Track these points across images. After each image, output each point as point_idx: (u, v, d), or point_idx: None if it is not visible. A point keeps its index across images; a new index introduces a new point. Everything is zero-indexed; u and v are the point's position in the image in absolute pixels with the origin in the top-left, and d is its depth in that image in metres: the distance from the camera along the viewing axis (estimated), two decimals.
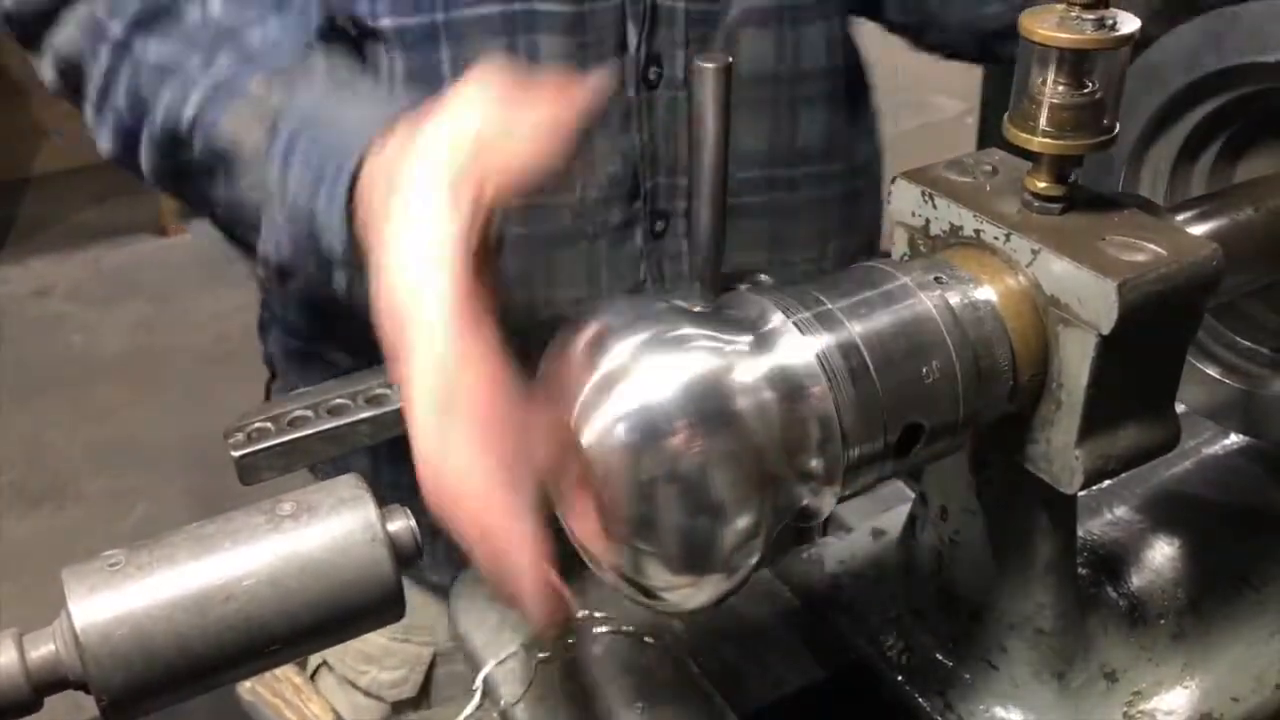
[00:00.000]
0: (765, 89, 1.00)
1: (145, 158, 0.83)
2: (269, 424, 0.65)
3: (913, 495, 0.79)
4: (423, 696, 1.21)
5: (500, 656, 0.79)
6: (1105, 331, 0.57)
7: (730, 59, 0.66)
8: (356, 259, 0.67)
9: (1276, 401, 0.78)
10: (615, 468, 0.51)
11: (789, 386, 0.54)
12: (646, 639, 0.79)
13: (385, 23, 0.88)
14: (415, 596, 1.21)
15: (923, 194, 0.66)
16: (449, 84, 0.89)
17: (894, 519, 0.86)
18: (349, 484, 0.50)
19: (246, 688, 0.76)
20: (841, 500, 0.58)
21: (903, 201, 0.67)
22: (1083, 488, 0.62)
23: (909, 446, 0.58)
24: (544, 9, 0.89)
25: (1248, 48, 0.72)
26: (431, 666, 1.20)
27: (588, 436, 0.52)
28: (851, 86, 1.08)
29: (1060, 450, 0.62)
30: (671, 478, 0.51)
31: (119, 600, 0.45)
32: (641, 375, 0.52)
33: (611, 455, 0.51)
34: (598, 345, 0.53)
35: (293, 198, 0.71)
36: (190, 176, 0.81)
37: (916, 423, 0.57)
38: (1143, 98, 0.77)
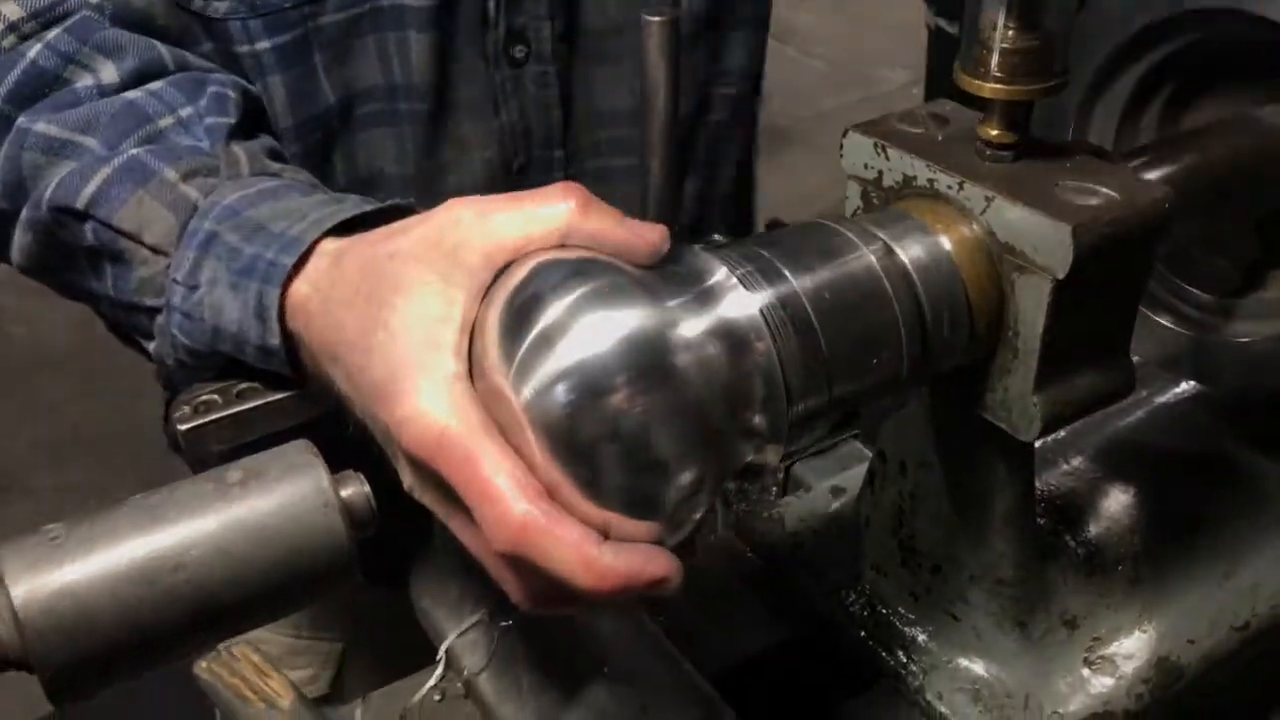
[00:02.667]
0: (619, 40, 0.97)
1: (18, 239, 0.75)
2: (216, 396, 0.63)
3: (870, 454, 0.79)
4: (335, 694, 1.20)
5: (462, 628, 0.78)
6: (1060, 276, 0.57)
7: (677, 13, 0.65)
8: (290, 356, 0.63)
9: (1225, 347, 0.78)
10: (555, 426, 0.49)
11: (732, 341, 0.53)
12: None
13: (263, 44, 0.85)
14: None
15: (875, 145, 0.65)
16: (330, 97, 0.88)
17: (853, 477, 0.86)
18: (299, 449, 0.49)
19: (203, 668, 0.74)
20: (787, 457, 0.57)
21: (855, 154, 0.66)
22: (1041, 435, 0.62)
23: (856, 408, 0.58)
24: (410, 3, 0.88)
25: None
26: (342, 663, 1.19)
27: (525, 395, 0.50)
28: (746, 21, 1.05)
29: (1018, 398, 0.62)
30: (613, 435, 0.49)
31: (59, 574, 0.43)
32: (580, 331, 0.50)
33: (551, 414, 0.49)
34: (534, 302, 0.51)
35: (205, 294, 0.64)
36: (71, 264, 0.73)
37: (859, 394, 0.56)
38: (1090, 48, 0.77)
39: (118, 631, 0.44)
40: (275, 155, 0.73)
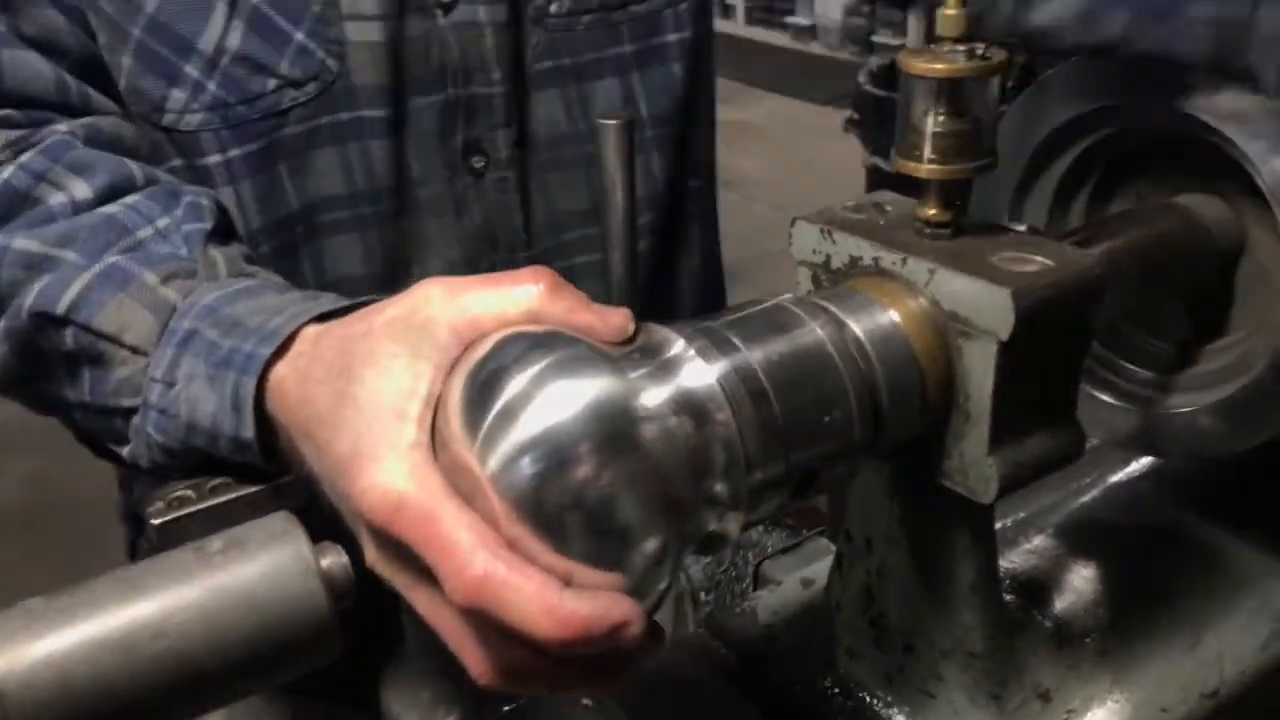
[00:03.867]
0: (567, 149, 1.03)
1: None
2: (190, 492, 0.64)
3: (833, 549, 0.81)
4: None
5: None
6: (1004, 337, 0.60)
7: (630, 117, 0.70)
8: (265, 446, 0.64)
9: (1168, 418, 0.81)
10: (522, 497, 0.50)
11: (693, 411, 0.54)
12: (585, 702, 0.77)
13: (234, 152, 0.90)
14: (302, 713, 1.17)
15: (821, 231, 0.69)
16: (294, 204, 0.92)
17: (821, 570, 0.87)
18: (279, 520, 0.50)
19: None
20: (747, 527, 0.58)
21: (803, 241, 0.70)
22: (999, 495, 0.64)
23: (813, 476, 0.60)
24: (369, 115, 0.93)
25: (1112, 90, 0.78)
26: None
27: (491, 466, 0.51)
28: (691, 127, 1.11)
29: (974, 462, 0.64)
30: (580, 503, 0.50)
31: (38, 645, 0.43)
32: (544, 402, 0.51)
33: (518, 484, 0.50)
34: (497, 374, 0.53)
35: (182, 390, 0.66)
36: (47, 372, 0.74)
37: (815, 459, 0.58)
38: (1022, 142, 0.82)
39: (97, 702, 0.44)
40: (249, 260, 0.76)
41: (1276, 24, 0.70)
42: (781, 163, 5.56)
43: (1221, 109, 0.75)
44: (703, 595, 1.10)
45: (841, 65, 6.83)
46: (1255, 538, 0.88)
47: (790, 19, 7.76)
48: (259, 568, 0.47)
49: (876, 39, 6.99)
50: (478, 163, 0.97)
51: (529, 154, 1.01)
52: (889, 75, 3.78)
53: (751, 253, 4.74)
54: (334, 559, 0.49)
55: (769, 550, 1.02)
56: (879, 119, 3.61)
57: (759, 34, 7.85)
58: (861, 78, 3.83)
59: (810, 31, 7.63)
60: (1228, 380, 0.80)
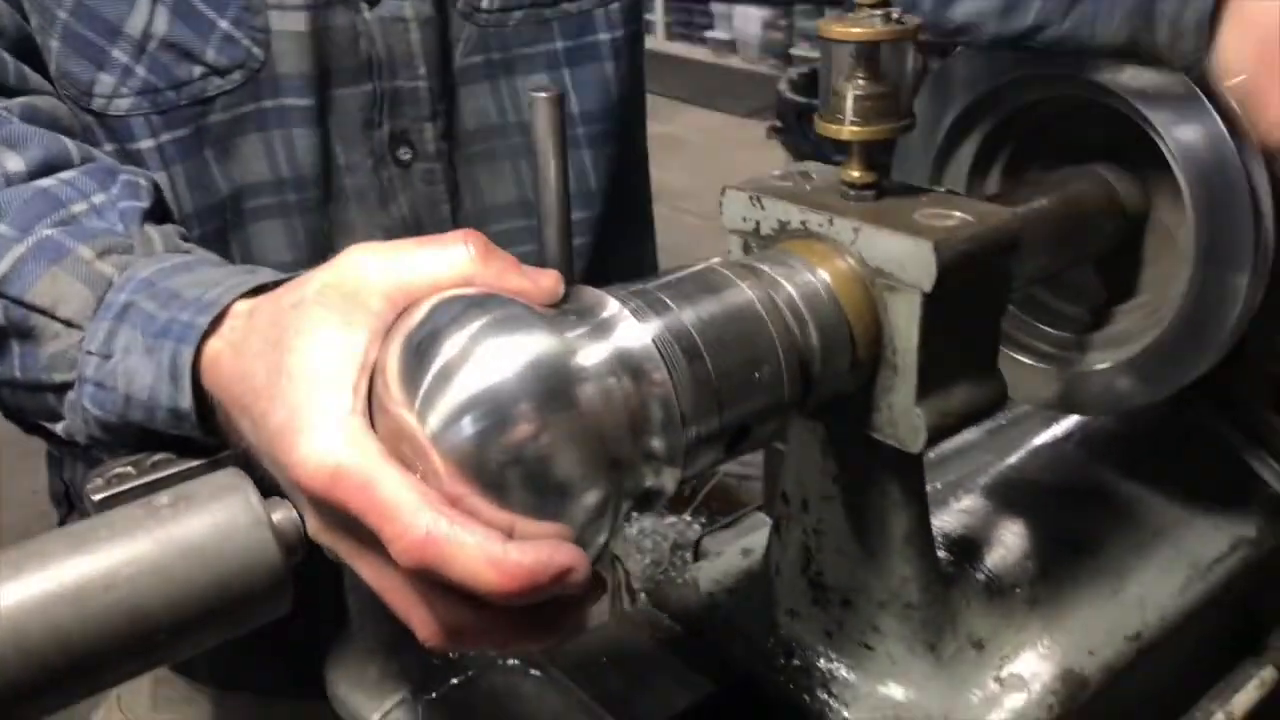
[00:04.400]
0: (496, 141, 1.04)
1: None
2: (129, 468, 0.63)
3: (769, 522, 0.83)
4: None
5: (385, 708, 0.77)
6: (927, 289, 0.63)
7: (560, 90, 0.71)
8: (202, 418, 0.63)
9: (1085, 377, 0.85)
10: (464, 455, 0.51)
11: (629, 369, 0.55)
12: (533, 671, 0.78)
13: (165, 137, 0.90)
14: (226, 708, 1.16)
15: (750, 198, 0.71)
16: (221, 190, 0.92)
17: (759, 540, 0.89)
18: (228, 474, 0.50)
19: None
20: (683, 483, 0.59)
21: (733, 209, 0.72)
22: (928, 445, 0.66)
23: (745, 431, 0.61)
24: (293, 103, 0.93)
25: (1023, 63, 0.82)
26: None
27: (432, 426, 0.51)
28: (624, 125, 1.14)
29: (903, 413, 0.67)
30: (521, 460, 0.51)
31: None
32: (482, 361, 0.52)
33: (459, 444, 0.51)
34: (434, 336, 0.53)
35: (119, 362, 0.65)
36: None
37: (747, 415, 0.60)
38: (939, 114, 0.86)
39: (50, 655, 0.43)
40: (184, 239, 0.76)
41: (1177, 5, 0.74)
42: (706, 175, 5.62)
43: (1128, 83, 0.79)
44: (644, 597, 1.11)
45: (761, 78, 6.92)
46: (1171, 490, 0.92)
47: (709, 34, 7.86)
48: (209, 519, 0.47)
49: (795, 51, 7.11)
50: (404, 154, 0.98)
51: (458, 147, 1.02)
52: (809, 83, 3.86)
53: (684, 262, 4.79)
54: (284, 513, 0.50)
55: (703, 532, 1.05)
56: (801, 125, 3.68)
57: (679, 49, 7.93)
58: (782, 85, 3.90)
59: (730, 46, 7.73)
60: (1138, 338, 0.84)
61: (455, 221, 1.02)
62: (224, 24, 0.89)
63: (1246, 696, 0.88)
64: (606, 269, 1.14)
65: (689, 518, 1.59)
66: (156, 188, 0.77)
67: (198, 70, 0.89)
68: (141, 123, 0.88)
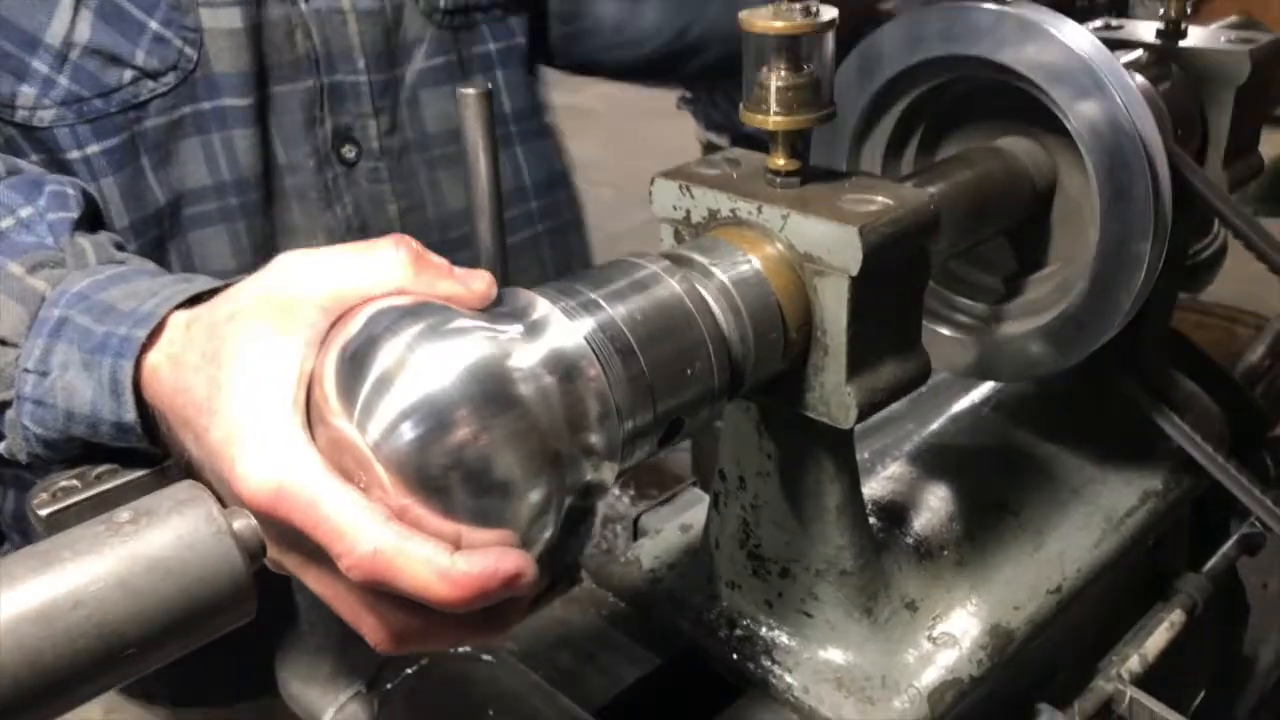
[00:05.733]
0: (455, 143, 1.03)
1: None
2: (75, 482, 0.63)
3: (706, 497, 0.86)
4: None
5: (340, 702, 0.78)
6: (854, 273, 0.65)
7: (489, 85, 0.72)
8: (147, 429, 0.63)
9: (1000, 344, 0.89)
10: (405, 462, 0.51)
11: (565, 368, 0.56)
12: (484, 657, 0.80)
13: (93, 148, 0.88)
14: None
15: (680, 187, 0.73)
16: (160, 198, 0.91)
17: (697, 515, 0.92)
18: (184, 487, 0.50)
19: None
20: (621, 474, 0.61)
21: (663, 198, 0.74)
22: (858, 420, 0.69)
23: (679, 424, 0.63)
24: (231, 104, 0.92)
25: (938, 43, 0.85)
26: None
27: (372, 436, 0.52)
28: (541, 127, 1.17)
29: (834, 390, 0.69)
30: (462, 464, 0.52)
31: None
32: (420, 368, 0.52)
33: (400, 451, 0.51)
34: (370, 345, 0.53)
35: (57, 379, 0.65)
36: None
37: (680, 408, 0.62)
38: (855, 97, 0.88)
39: (22, 673, 0.44)
40: (119, 248, 0.75)
41: None
42: (618, 145, 5.61)
43: (1031, 60, 0.82)
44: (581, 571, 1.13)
45: None
46: (1084, 449, 0.97)
47: None
48: (171, 533, 0.48)
49: None
50: (349, 152, 0.97)
51: (417, 150, 1.02)
52: None
53: (599, 237, 4.78)
54: (244, 521, 0.50)
55: (640, 510, 1.07)
56: (711, 96, 3.69)
57: None
58: None
59: None
60: (1050, 306, 0.88)
61: (402, 223, 1.01)
62: (154, 25, 0.87)
63: (1159, 638, 0.93)
64: (544, 262, 1.16)
65: (618, 491, 1.60)
66: (86, 195, 0.76)
67: (128, 75, 0.87)
68: (67, 134, 0.86)
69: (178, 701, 1.13)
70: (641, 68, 1.23)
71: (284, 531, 0.53)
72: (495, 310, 0.59)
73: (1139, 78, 0.90)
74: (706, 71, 1.22)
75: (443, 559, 0.51)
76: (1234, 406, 1.10)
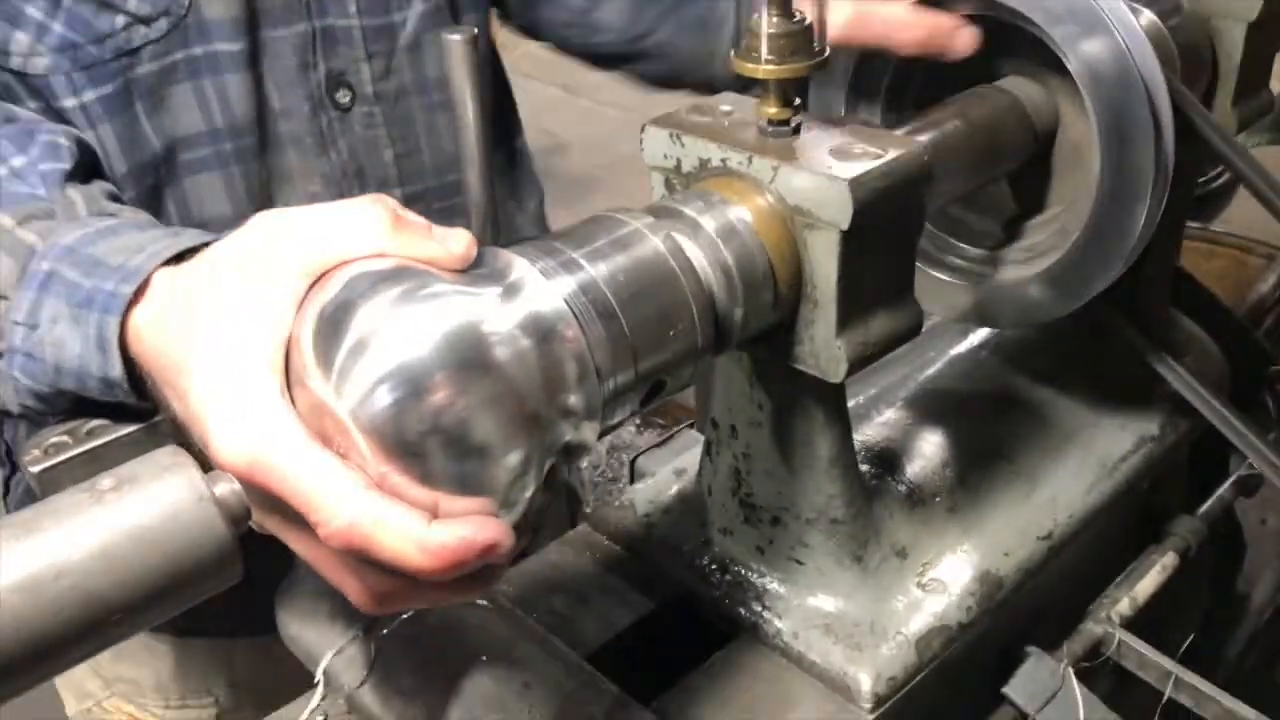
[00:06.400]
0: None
1: None
2: (66, 438, 0.64)
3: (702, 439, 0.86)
4: None
5: (339, 645, 0.79)
6: (844, 227, 0.64)
7: (475, 30, 0.70)
8: (134, 385, 0.63)
9: (998, 290, 0.88)
10: (382, 427, 0.51)
11: (542, 330, 0.56)
12: (480, 601, 0.81)
13: (89, 95, 0.87)
14: (187, 654, 1.17)
15: (671, 135, 0.72)
16: (155, 144, 0.90)
17: (691, 459, 0.92)
18: (168, 453, 0.51)
19: None
20: (604, 432, 0.61)
21: (654, 146, 0.73)
22: (848, 374, 0.69)
23: (661, 383, 0.63)
24: (223, 49, 0.91)
25: None
26: None
27: (349, 400, 0.52)
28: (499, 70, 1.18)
29: (824, 344, 0.69)
30: (439, 429, 0.52)
31: None
32: (395, 333, 0.52)
33: (376, 416, 0.51)
34: (346, 309, 0.53)
35: (46, 332, 0.65)
36: None
37: (663, 366, 0.62)
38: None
39: (7, 644, 0.45)
40: (113, 198, 0.74)
41: None
42: None
43: (1034, 2, 0.80)
44: (581, 498, 1.14)
45: None
46: (1079, 393, 0.97)
47: None
48: (154, 500, 0.48)
49: None
50: (343, 97, 0.97)
51: (415, 93, 1.01)
52: None
53: (606, 158, 4.73)
54: (227, 485, 0.51)
55: (642, 448, 1.07)
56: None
57: None
58: None
59: None
60: (1050, 251, 0.87)
61: (399, 168, 1.01)
62: None
63: (1150, 581, 0.94)
64: (512, 223, 1.16)
65: None
66: (81, 145, 0.75)
67: (120, 21, 0.86)
68: (63, 81, 0.85)
69: (180, 632, 1.15)
70: (593, 55, 1.24)
71: (263, 496, 0.53)
72: (474, 272, 0.58)
73: (1146, 14, 0.87)
74: (657, 79, 1.23)
75: (419, 529, 0.51)
76: (1236, 345, 1.10)
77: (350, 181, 0.98)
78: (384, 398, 0.51)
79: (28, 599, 0.45)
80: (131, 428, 0.65)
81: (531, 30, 1.23)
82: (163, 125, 0.91)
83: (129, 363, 0.63)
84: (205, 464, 0.55)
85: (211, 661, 1.17)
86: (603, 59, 1.24)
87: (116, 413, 0.66)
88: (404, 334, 0.52)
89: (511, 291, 0.57)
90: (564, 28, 1.21)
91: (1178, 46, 0.88)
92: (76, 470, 0.63)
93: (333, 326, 0.53)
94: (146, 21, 0.87)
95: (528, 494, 0.57)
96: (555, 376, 0.56)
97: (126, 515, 0.48)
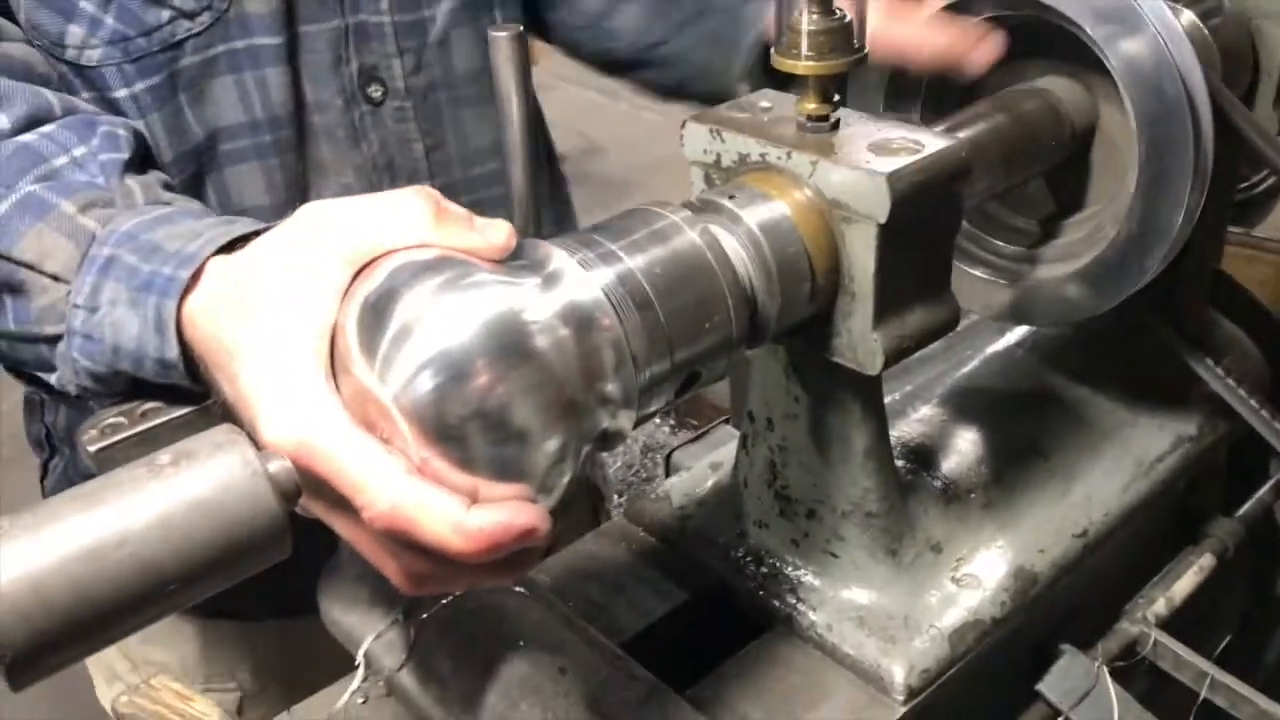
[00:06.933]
0: (486, 84, 1.04)
1: None
2: (122, 419, 0.66)
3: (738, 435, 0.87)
4: None
5: (379, 629, 0.81)
6: (882, 221, 0.65)
7: (521, 28, 0.72)
8: (189, 367, 0.65)
9: (1035, 288, 0.88)
10: (424, 413, 0.53)
11: (580, 319, 0.57)
12: (517, 589, 0.82)
13: (139, 86, 0.90)
14: (213, 637, 1.20)
15: (711, 131, 0.73)
16: (197, 134, 0.93)
17: (727, 454, 0.93)
18: (223, 431, 0.52)
19: (123, 701, 0.75)
20: (641, 420, 0.62)
21: (694, 142, 0.74)
22: (885, 367, 0.70)
23: (696, 374, 0.64)
24: (263, 43, 0.93)
25: None
26: (240, 712, 1.20)
27: (392, 386, 0.53)
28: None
29: (861, 337, 0.70)
30: (480, 414, 0.53)
31: (9, 559, 0.46)
32: (438, 321, 0.54)
33: (419, 401, 0.53)
34: (390, 298, 0.55)
35: (106, 315, 0.67)
36: None
37: (698, 357, 0.62)
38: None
39: (71, 607, 0.47)
40: (167, 187, 0.77)
41: None
42: None
43: (1073, 1, 0.81)
44: (617, 497, 1.15)
45: None
46: (1117, 392, 0.97)
47: None
48: (210, 475, 0.50)
49: None
50: (375, 92, 0.99)
51: (444, 89, 1.03)
52: None
53: (643, 159, 4.75)
54: (279, 463, 0.52)
55: (675, 445, 1.08)
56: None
57: None
58: None
59: None
60: (1087, 250, 0.87)
61: (429, 161, 1.03)
62: None
63: (1186, 582, 0.94)
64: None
65: (658, 420, 1.61)
66: (137, 136, 0.78)
67: (165, 14, 0.89)
68: (114, 72, 0.88)
69: (209, 614, 1.18)
70: (605, 61, 1.25)
71: (308, 480, 0.55)
72: (514, 263, 0.60)
73: (1187, 14, 0.87)
74: (666, 89, 1.23)
75: (458, 513, 0.53)
76: (1277, 347, 1.09)
77: (381, 174, 1.01)
78: (426, 383, 0.53)
79: (91, 566, 0.47)
80: (185, 410, 0.67)
81: (544, 33, 1.24)
82: (204, 116, 0.94)
83: (184, 345, 0.65)
84: (256, 445, 0.57)
85: (236, 646, 1.19)
86: (614, 65, 1.25)
87: (171, 395, 0.68)
88: (446, 321, 0.54)
89: (550, 281, 0.58)
90: (578, 31, 1.22)
91: (1219, 46, 0.88)
92: (132, 450, 0.65)
93: (376, 315, 0.55)
94: (190, 15, 0.90)
95: (565, 480, 0.58)
96: (593, 364, 0.57)
97: (184, 488, 0.50)
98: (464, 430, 0.53)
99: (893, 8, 0.86)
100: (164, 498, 0.49)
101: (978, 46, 0.84)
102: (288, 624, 1.10)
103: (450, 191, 1.05)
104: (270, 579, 0.56)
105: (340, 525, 0.59)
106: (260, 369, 0.57)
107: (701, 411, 1.35)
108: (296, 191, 0.98)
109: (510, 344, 0.54)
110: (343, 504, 0.55)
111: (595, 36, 1.21)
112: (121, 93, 0.89)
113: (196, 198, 0.92)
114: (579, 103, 4.33)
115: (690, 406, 1.40)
